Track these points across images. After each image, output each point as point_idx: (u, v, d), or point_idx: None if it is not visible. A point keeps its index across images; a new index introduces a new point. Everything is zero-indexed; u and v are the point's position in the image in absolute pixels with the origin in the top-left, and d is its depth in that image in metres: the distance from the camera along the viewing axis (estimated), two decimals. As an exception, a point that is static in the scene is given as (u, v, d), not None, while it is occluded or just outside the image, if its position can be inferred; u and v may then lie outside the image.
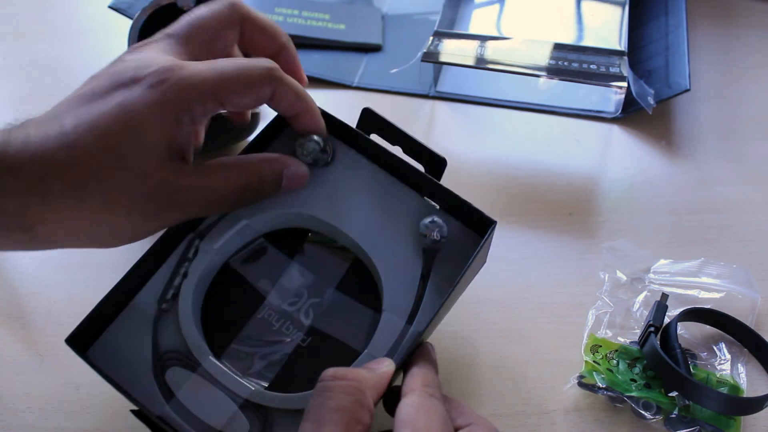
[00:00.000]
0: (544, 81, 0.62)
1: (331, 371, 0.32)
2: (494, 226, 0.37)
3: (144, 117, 0.32)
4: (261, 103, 0.36)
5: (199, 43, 0.37)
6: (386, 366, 0.34)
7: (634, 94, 0.57)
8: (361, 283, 0.38)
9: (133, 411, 0.35)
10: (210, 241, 0.38)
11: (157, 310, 0.37)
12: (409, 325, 0.36)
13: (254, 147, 0.40)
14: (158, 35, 0.37)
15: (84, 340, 0.36)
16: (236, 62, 0.35)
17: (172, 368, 0.35)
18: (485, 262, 0.41)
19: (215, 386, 0.35)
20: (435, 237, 0.37)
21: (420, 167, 0.39)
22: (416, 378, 0.34)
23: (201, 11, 0.37)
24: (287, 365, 0.36)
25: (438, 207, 0.39)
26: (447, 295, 0.35)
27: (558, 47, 0.61)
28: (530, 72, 0.59)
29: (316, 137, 0.39)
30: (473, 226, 0.38)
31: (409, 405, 0.32)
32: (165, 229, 0.37)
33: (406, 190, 0.39)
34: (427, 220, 0.37)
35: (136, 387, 0.35)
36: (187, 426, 0.34)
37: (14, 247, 0.34)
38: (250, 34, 0.38)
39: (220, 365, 0.35)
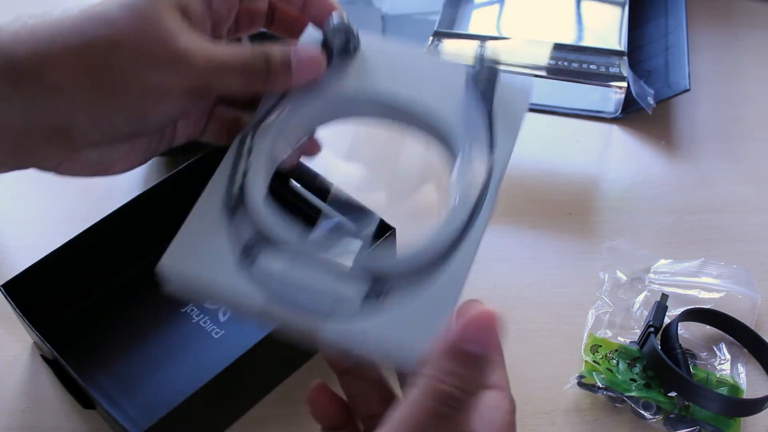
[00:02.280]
0: (541, 81, 0.62)
1: (464, 389, 0.26)
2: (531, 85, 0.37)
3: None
4: None
5: None
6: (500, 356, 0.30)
7: (634, 94, 0.57)
8: None
9: None
10: (262, 133, 0.35)
11: (227, 209, 0.33)
12: (492, 154, 0.34)
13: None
14: None
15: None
16: None
17: (260, 258, 0.31)
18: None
19: (312, 264, 0.31)
20: (484, 73, 0.35)
21: None
22: (502, 370, 0.31)
23: None
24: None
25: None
26: (521, 117, 0.35)
27: (558, 47, 0.61)
28: (530, 72, 0.59)
29: (335, 15, 0.36)
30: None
31: (501, 410, 0.30)
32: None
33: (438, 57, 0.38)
34: (473, 67, 0.35)
35: (226, 289, 0.31)
36: (294, 314, 0.30)
37: (23, 110, 0.30)
38: None
39: (313, 240, 0.32)
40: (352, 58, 0.37)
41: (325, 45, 0.36)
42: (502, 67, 0.36)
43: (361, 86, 0.36)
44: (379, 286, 0.30)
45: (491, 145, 0.34)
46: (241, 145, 0.35)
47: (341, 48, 0.36)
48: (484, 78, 0.35)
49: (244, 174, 0.33)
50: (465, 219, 0.31)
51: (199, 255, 0.31)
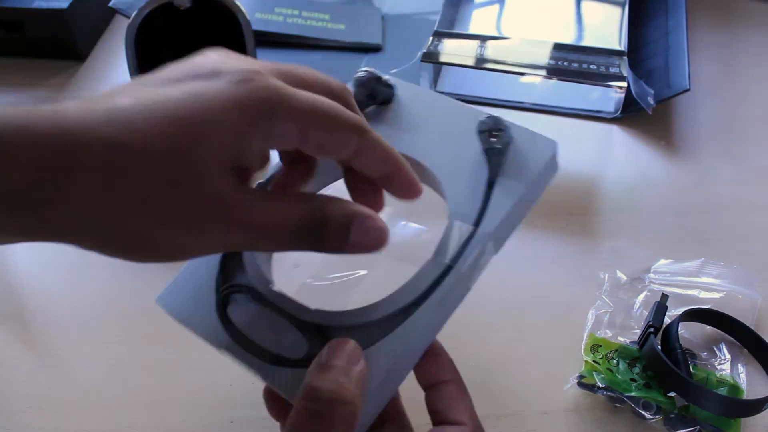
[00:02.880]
0: (541, 81, 0.62)
1: (328, 391, 0.28)
2: (555, 147, 0.35)
3: (219, 110, 0.27)
4: (342, 152, 0.31)
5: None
6: (362, 366, 0.30)
7: (634, 94, 0.57)
8: None
9: None
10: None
11: (221, 255, 0.36)
12: (476, 228, 0.33)
13: None
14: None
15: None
16: (328, 101, 0.30)
17: (234, 300, 0.34)
18: (556, 170, 0.37)
19: (274, 312, 0.33)
20: (493, 133, 0.34)
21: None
22: (465, 404, 0.33)
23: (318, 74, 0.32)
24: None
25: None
26: (517, 196, 0.33)
27: (558, 47, 0.61)
28: (530, 72, 0.59)
29: (366, 71, 0.37)
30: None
31: None
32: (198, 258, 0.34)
33: (465, 105, 0.37)
34: (484, 116, 0.35)
35: (201, 325, 0.34)
36: (246, 353, 0.33)
37: (20, 235, 0.27)
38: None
39: (281, 291, 0.34)
40: (387, 108, 0.38)
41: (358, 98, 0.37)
42: (518, 133, 0.35)
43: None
44: (323, 339, 0.32)
45: (478, 218, 0.33)
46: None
47: (374, 101, 0.38)
48: (492, 149, 0.35)
49: None
50: (414, 297, 0.32)
51: (185, 296, 0.35)
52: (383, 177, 0.33)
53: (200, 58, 0.30)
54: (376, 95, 0.38)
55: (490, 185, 0.34)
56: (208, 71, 0.28)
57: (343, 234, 0.30)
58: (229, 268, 0.36)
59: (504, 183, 0.34)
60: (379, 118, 0.38)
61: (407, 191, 0.34)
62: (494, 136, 0.34)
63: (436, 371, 0.34)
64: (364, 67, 0.38)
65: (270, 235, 0.29)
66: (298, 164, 0.35)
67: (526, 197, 0.34)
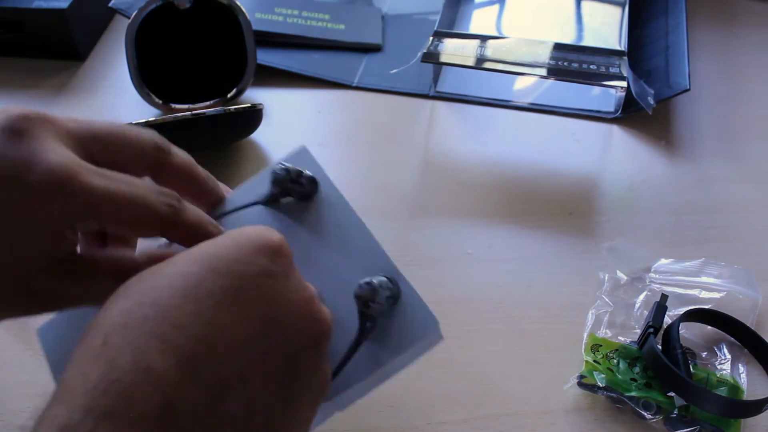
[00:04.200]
0: (541, 81, 0.62)
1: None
2: (437, 324, 0.32)
3: (24, 226, 0.28)
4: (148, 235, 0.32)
5: (104, 153, 0.31)
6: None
7: (634, 94, 0.57)
8: None
9: None
10: None
11: None
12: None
13: None
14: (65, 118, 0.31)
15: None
16: (136, 190, 0.30)
17: None
18: (437, 342, 0.34)
19: None
20: (369, 303, 0.32)
21: None
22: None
23: (128, 132, 0.32)
24: None
25: (394, 272, 0.34)
26: (379, 368, 0.32)
27: (558, 47, 0.61)
28: (530, 72, 0.59)
29: (283, 166, 0.36)
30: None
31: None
32: None
33: (375, 245, 0.35)
34: (365, 280, 0.33)
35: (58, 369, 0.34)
36: None
37: None
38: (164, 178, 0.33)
39: None
40: (312, 200, 0.36)
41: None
42: (406, 299, 0.33)
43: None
44: None
45: (335, 373, 0.32)
46: None
47: (295, 195, 0.36)
48: (366, 313, 0.33)
49: None
50: None
51: (62, 339, 0.35)
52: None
53: (7, 145, 0.29)
54: (290, 192, 0.37)
55: (355, 346, 0.32)
56: (12, 174, 0.28)
57: None
58: None
59: (371, 348, 0.32)
60: (295, 212, 0.36)
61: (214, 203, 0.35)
62: (369, 305, 0.32)
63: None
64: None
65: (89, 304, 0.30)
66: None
67: (389, 369, 0.32)
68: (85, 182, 0.28)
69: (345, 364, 0.32)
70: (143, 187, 0.30)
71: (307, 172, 0.37)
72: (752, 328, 0.44)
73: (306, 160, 0.38)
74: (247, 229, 0.29)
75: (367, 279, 0.33)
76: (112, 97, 0.63)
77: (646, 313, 0.45)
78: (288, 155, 0.38)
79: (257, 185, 0.37)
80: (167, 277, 0.26)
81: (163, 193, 0.30)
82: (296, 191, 0.36)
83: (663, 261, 0.48)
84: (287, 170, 0.36)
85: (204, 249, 0.28)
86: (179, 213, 0.30)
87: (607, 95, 0.62)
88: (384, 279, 0.33)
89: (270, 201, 0.37)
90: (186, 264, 0.27)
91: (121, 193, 0.29)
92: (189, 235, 0.31)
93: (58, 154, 0.28)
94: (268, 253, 0.28)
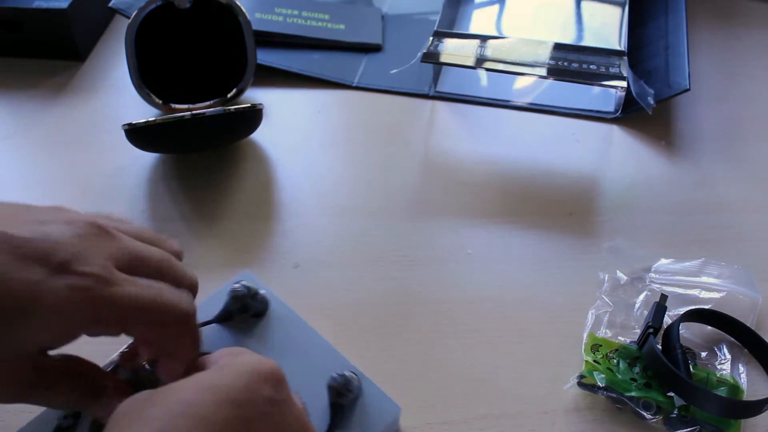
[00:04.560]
0: (541, 81, 0.62)
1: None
2: (398, 412, 0.37)
3: (44, 318, 0.29)
4: (168, 345, 0.33)
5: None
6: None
7: (634, 94, 0.57)
8: None
9: None
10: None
11: (55, 426, 0.37)
12: None
13: None
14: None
15: None
16: (163, 297, 0.32)
17: None
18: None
19: None
20: (341, 392, 0.36)
21: None
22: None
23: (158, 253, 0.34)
24: None
25: (353, 373, 0.38)
26: None
27: (558, 47, 0.61)
28: (530, 72, 0.59)
29: (241, 284, 0.40)
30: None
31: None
32: None
33: (331, 349, 0.39)
34: (336, 373, 0.37)
35: None
36: None
37: None
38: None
39: None
40: (258, 321, 0.40)
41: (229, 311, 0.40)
42: (368, 389, 0.37)
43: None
44: None
45: None
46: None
47: (245, 313, 0.40)
48: (337, 404, 0.36)
49: (77, 413, 0.36)
50: None
51: None
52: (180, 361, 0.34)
53: (53, 227, 0.31)
54: (248, 309, 0.40)
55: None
56: (53, 259, 0.29)
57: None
58: None
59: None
60: (249, 329, 0.40)
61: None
62: (343, 394, 0.36)
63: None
64: (245, 275, 0.42)
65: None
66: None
67: None
68: (119, 290, 0.30)
69: None
70: (165, 288, 0.32)
71: (262, 292, 0.41)
72: (752, 328, 0.44)
73: (255, 282, 0.42)
74: (246, 358, 0.31)
75: (339, 371, 0.37)
76: (112, 97, 0.63)
77: (646, 313, 0.45)
78: (236, 277, 0.42)
79: (209, 305, 0.41)
80: (183, 404, 0.27)
81: (180, 292, 0.33)
82: (252, 308, 0.40)
83: (663, 261, 0.48)
84: (247, 288, 0.40)
85: (212, 379, 0.28)
86: (194, 312, 0.33)
87: (607, 95, 0.62)
88: (352, 372, 0.37)
89: (224, 319, 0.41)
90: (199, 392, 0.27)
91: (152, 294, 0.31)
92: (195, 340, 0.33)
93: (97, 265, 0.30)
94: (271, 382, 0.29)
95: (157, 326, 0.32)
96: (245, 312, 0.41)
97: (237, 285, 0.40)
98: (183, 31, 0.59)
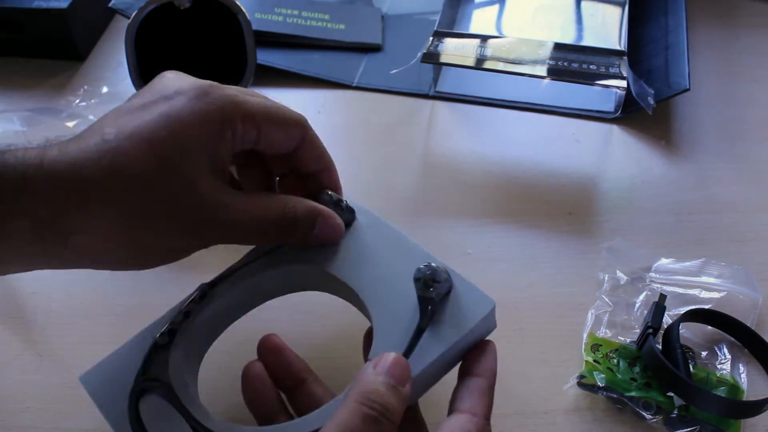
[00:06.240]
0: (541, 81, 0.62)
1: (378, 393, 0.29)
2: (493, 306, 0.35)
3: (189, 125, 0.32)
4: (290, 145, 0.37)
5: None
6: (406, 390, 0.31)
7: (634, 94, 0.57)
8: None
9: None
10: (220, 290, 0.38)
11: (152, 342, 0.36)
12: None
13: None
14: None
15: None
16: (274, 102, 0.36)
17: (148, 396, 0.35)
18: (493, 328, 0.37)
19: (183, 418, 0.34)
20: (429, 283, 0.35)
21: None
22: (484, 401, 0.33)
23: (271, 105, 0.36)
24: None
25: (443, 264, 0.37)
26: (444, 349, 0.33)
27: (558, 47, 0.61)
28: (530, 72, 0.59)
29: (329, 192, 0.39)
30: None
31: (460, 429, 0.31)
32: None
33: (418, 248, 0.38)
34: (423, 264, 0.35)
35: (113, 414, 0.35)
36: None
37: (46, 263, 0.33)
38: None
39: (195, 395, 0.36)
40: (350, 227, 0.40)
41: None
42: (459, 284, 0.36)
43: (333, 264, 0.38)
44: None
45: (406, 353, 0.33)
46: (199, 290, 0.38)
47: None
48: (426, 297, 0.35)
49: (186, 315, 0.37)
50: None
51: (108, 379, 0.36)
52: (317, 173, 0.38)
53: (160, 81, 0.34)
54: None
55: (419, 333, 0.34)
56: (172, 92, 0.33)
57: (309, 228, 0.36)
58: (154, 362, 0.36)
59: (434, 332, 0.34)
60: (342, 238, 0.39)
61: (333, 185, 0.39)
62: (430, 286, 0.35)
63: (475, 364, 0.34)
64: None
65: (250, 230, 0.34)
66: (252, 168, 0.39)
67: (452, 351, 0.34)
68: (234, 90, 0.34)
69: (412, 350, 0.33)
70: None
71: (348, 202, 0.40)
72: (752, 328, 0.44)
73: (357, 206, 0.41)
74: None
75: (426, 263, 0.35)
76: (113, 97, 0.63)
77: (646, 312, 0.45)
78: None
79: None
80: None
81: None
82: (340, 216, 0.39)
83: (663, 261, 0.48)
84: (330, 195, 0.39)
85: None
86: (308, 124, 0.37)
87: (607, 95, 0.62)
88: (440, 264, 0.36)
89: None
90: None
91: (268, 102, 0.35)
92: (317, 154, 0.38)
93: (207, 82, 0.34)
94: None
95: (283, 125, 0.35)
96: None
97: (320, 193, 0.40)
98: (183, 31, 0.59)
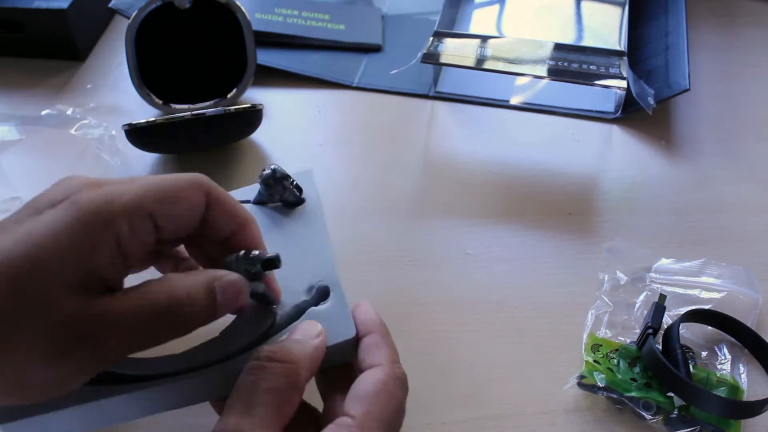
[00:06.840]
0: (541, 81, 0.62)
1: (267, 350, 0.31)
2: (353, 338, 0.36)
3: (51, 240, 0.28)
4: (196, 216, 0.33)
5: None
6: (320, 340, 0.33)
7: (634, 94, 0.57)
8: None
9: None
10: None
11: None
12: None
13: None
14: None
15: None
16: (161, 176, 0.32)
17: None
18: (344, 361, 0.36)
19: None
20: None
21: None
22: (383, 350, 0.34)
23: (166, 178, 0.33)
24: None
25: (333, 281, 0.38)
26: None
27: (558, 47, 0.61)
28: (530, 72, 0.59)
29: (273, 165, 0.40)
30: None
31: (371, 382, 0.32)
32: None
33: (329, 262, 0.39)
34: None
35: None
36: None
37: None
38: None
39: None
40: (294, 210, 0.41)
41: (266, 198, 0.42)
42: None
43: None
44: None
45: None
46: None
47: (279, 198, 0.41)
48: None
49: None
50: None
51: None
52: (233, 231, 0.35)
53: (52, 188, 0.31)
54: (275, 196, 0.41)
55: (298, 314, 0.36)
56: (44, 203, 0.30)
57: (210, 302, 0.32)
58: None
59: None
60: (277, 215, 0.41)
61: (255, 243, 0.36)
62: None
63: (362, 327, 0.36)
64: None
65: (136, 335, 0.29)
66: (164, 258, 0.38)
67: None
68: (110, 185, 0.31)
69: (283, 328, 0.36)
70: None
71: (294, 181, 0.41)
72: (752, 328, 0.44)
73: (307, 180, 0.42)
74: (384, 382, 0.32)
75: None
76: (112, 97, 0.63)
77: (646, 313, 0.45)
78: (295, 171, 0.42)
79: (252, 189, 0.42)
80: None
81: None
82: (279, 194, 0.41)
83: (663, 261, 0.48)
84: (274, 170, 0.40)
85: (381, 412, 0.31)
86: (208, 179, 0.34)
87: (607, 95, 0.62)
88: (332, 280, 0.38)
89: (258, 201, 0.42)
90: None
91: (147, 178, 0.32)
92: (228, 211, 0.34)
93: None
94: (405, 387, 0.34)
95: (176, 196, 0.32)
96: (273, 200, 0.41)
97: (269, 166, 0.40)
98: (183, 31, 0.59)
